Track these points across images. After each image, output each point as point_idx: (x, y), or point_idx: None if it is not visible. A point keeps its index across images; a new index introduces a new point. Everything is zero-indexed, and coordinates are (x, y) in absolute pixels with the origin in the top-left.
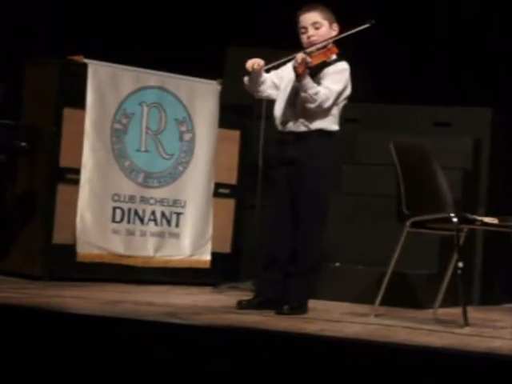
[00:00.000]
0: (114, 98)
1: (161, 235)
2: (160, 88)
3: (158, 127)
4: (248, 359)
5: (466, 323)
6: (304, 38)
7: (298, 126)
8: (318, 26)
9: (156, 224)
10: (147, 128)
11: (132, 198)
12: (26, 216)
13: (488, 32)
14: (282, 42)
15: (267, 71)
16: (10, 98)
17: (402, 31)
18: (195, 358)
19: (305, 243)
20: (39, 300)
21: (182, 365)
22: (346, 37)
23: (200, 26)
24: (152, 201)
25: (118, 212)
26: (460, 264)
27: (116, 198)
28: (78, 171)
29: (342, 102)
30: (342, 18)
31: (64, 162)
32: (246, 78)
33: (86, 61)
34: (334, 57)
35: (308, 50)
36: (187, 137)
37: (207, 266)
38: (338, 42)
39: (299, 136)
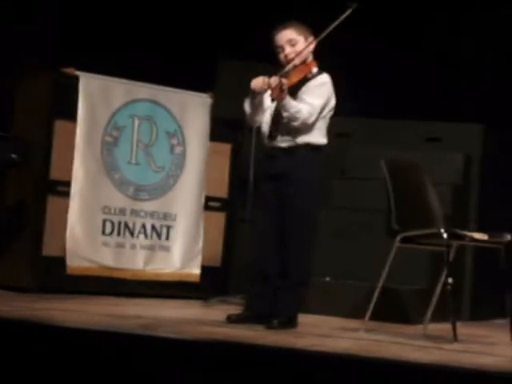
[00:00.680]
0: (105, 110)
1: (151, 248)
2: (151, 101)
3: (148, 140)
4: (237, 374)
5: (456, 339)
6: (281, 56)
7: (285, 141)
8: (293, 43)
9: (146, 237)
10: (138, 141)
11: (122, 211)
12: (16, 228)
13: (480, 48)
14: (273, 57)
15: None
16: (1, 109)
17: (394, 46)
18: (184, 372)
19: (294, 257)
20: (28, 313)
21: (171, 379)
22: (334, 28)
23: (192, 39)
24: (142, 214)
25: (108, 224)
26: (450, 280)
27: (106, 210)
28: (68, 183)
29: (328, 115)
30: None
31: (54, 174)
32: (247, 104)
33: (77, 73)
34: (314, 70)
35: (286, 70)
36: (178, 150)
37: (197, 279)
38: (316, 56)
39: (287, 151)
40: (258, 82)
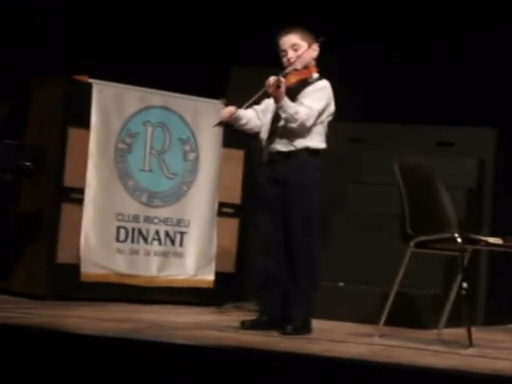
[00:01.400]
0: (118, 117)
1: (165, 255)
2: (164, 108)
3: (162, 147)
4: (252, 380)
5: (471, 344)
6: (284, 60)
7: (284, 146)
8: (296, 48)
9: (160, 243)
10: (151, 148)
11: (136, 218)
12: (31, 235)
13: (493, 50)
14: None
15: (249, 107)
16: (15, 117)
17: (405, 50)
18: (199, 378)
19: (302, 262)
20: (43, 320)
21: None
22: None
23: (204, 45)
24: (156, 220)
25: (122, 231)
26: (464, 284)
27: (120, 217)
28: (82, 191)
29: (326, 120)
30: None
31: (68, 181)
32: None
33: (90, 80)
34: (315, 75)
35: (285, 71)
36: (191, 156)
37: (211, 285)
38: (318, 62)
39: (286, 155)
40: (224, 113)
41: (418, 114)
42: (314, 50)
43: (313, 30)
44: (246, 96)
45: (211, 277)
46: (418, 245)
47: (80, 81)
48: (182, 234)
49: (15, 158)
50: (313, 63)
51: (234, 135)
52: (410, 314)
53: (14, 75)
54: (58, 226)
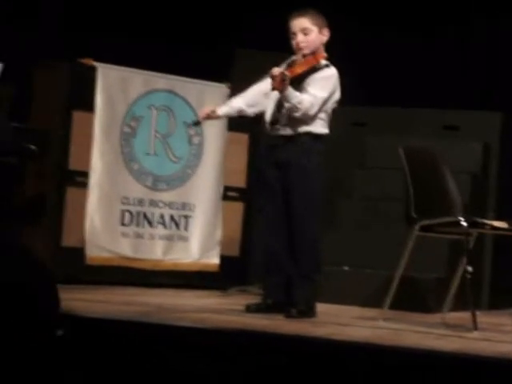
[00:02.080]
0: (123, 101)
1: (169, 238)
2: (169, 91)
3: (166, 130)
4: (256, 363)
5: (475, 327)
6: (293, 43)
7: (287, 130)
8: (306, 32)
9: (165, 227)
10: (156, 131)
11: (141, 201)
12: (35, 218)
13: (498, 34)
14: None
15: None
16: (20, 101)
17: (410, 33)
18: (204, 360)
19: (304, 245)
20: None
21: (191, 367)
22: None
23: (208, 28)
24: (161, 204)
25: (127, 215)
26: (469, 268)
27: (125, 201)
28: (86, 174)
29: (330, 107)
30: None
31: (73, 165)
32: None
33: (95, 64)
34: (322, 62)
35: (293, 58)
36: (196, 140)
37: (216, 269)
38: (326, 47)
39: (288, 139)
40: (201, 113)
41: (422, 97)
42: (324, 36)
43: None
44: (251, 79)
45: (216, 260)
46: (423, 228)
47: (85, 64)
48: (186, 217)
49: (20, 141)
50: (321, 49)
51: (238, 119)
52: (414, 298)
53: (19, 58)
54: (62, 209)
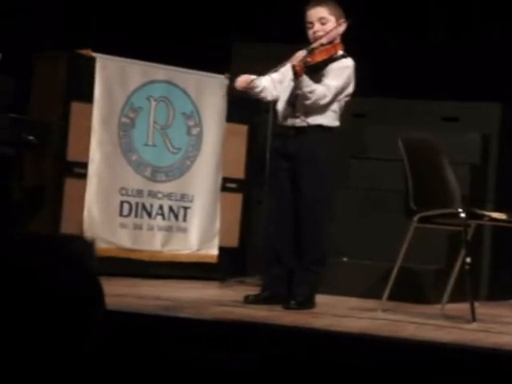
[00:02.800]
0: (121, 91)
1: (168, 229)
2: (168, 82)
3: (165, 121)
4: (254, 354)
5: (474, 319)
6: (310, 33)
7: (298, 122)
8: (324, 22)
9: (163, 218)
10: (155, 122)
11: (139, 192)
12: (34, 209)
13: (497, 24)
14: (287, 37)
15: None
16: (18, 91)
17: (407, 24)
18: (201, 352)
19: (309, 237)
20: None
21: (188, 359)
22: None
23: (206, 20)
24: (160, 195)
25: (126, 206)
26: (468, 259)
27: (123, 192)
28: (85, 165)
29: (343, 99)
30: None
31: (71, 155)
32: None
33: (94, 54)
34: (339, 53)
35: (312, 46)
36: (195, 131)
37: (214, 260)
38: (343, 38)
39: (299, 130)
40: (241, 81)
41: (421, 88)
42: (341, 26)
43: None
44: (249, 71)
45: (215, 251)
46: (422, 220)
47: (83, 55)
48: (185, 208)
49: (18, 132)
50: (338, 39)
51: (237, 110)
52: (413, 289)
53: (17, 49)
54: (61, 200)
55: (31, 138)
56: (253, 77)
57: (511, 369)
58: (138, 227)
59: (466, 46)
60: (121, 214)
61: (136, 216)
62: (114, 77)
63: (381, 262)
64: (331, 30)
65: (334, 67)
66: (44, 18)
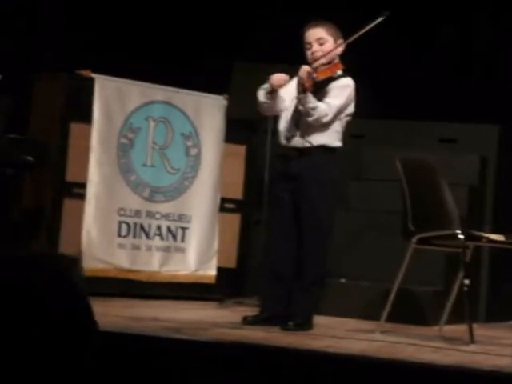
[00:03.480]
0: (120, 112)
1: (166, 250)
2: (166, 103)
3: (164, 142)
4: (253, 375)
5: (472, 340)
6: (308, 53)
7: (301, 142)
8: (322, 42)
9: (162, 239)
10: (153, 143)
11: (138, 213)
12: (32, 230)
13: (496, 48)
14: (287, 58)
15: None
16: (17, 111)
17: (407, 46)
18: (200, 373)
19: (309, 258)
20: None
21: (187, 380)
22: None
23: (206, 41)
24: (158, 215)
25: (124, 226)
26: (466, 281)
27: (122, 212)
28: (84, 186)
29: (345, 119)
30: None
31: (70, 176)
32: (261, 94)
33: (93, 75)
34: (339, 72)
35: (314, 65)
36: (193, 151)
37: (212, 281)
38: (342, 59)
39: (302, 152)
40: (279, 79)
41: (420, 110)
42: (340, 47)
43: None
44: (249, 92)
45: (213, 272)
46: (420, 241)
47: (82, 75)
48: (183, 229)
49: (17, 152)
50: (337, 59)
51: (236, 131)
52: (411, 311)
53: (17, 70)
54: (59, 220)
55: (30, 158)
56: (287, 76)
57: None
58: (136, 248)
59: (465, 69)
60: (119, 235)
61: (134, 236)
62: (113, 97)
63: (379, 283)
64: (331, 51)
65: (334, 86)
66: (44, 39)
